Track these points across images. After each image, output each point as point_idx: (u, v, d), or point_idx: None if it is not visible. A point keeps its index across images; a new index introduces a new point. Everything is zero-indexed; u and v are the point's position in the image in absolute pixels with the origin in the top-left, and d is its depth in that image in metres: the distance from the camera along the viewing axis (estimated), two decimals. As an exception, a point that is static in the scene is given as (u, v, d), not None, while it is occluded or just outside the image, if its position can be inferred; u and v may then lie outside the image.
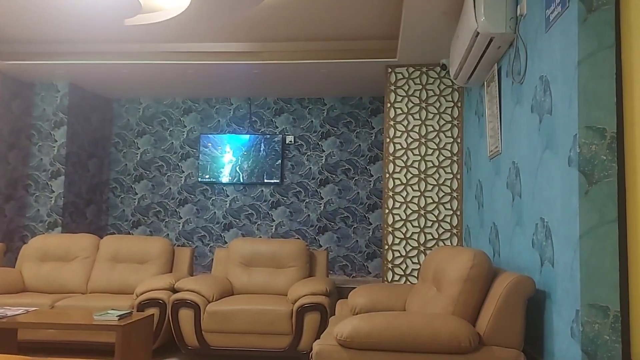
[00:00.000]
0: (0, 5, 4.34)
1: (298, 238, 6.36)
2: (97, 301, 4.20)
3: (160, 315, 4.08)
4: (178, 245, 6.44)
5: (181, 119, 6.71)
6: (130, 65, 5.31)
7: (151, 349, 3.73)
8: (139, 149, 6.75)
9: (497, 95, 3.37)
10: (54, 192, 5.90)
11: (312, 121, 6.53)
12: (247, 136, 6.47)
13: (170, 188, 6.66)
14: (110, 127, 6.80)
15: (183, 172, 6.66)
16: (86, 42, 5.16)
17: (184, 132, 6.69)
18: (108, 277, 4.67)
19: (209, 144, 6.51)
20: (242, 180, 6.45)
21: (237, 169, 6.46)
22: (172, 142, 6.70)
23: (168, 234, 6.60)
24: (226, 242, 6.50)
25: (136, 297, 4.14)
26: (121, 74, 5.65)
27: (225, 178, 6.48)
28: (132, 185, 6.72)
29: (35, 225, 5.89)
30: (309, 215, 6.44)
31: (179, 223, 6.61)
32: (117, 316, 3.36)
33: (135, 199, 6.70)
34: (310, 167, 6.48)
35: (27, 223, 5.91)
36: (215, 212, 6.56)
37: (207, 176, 6.51)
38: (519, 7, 2.88)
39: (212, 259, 5.03)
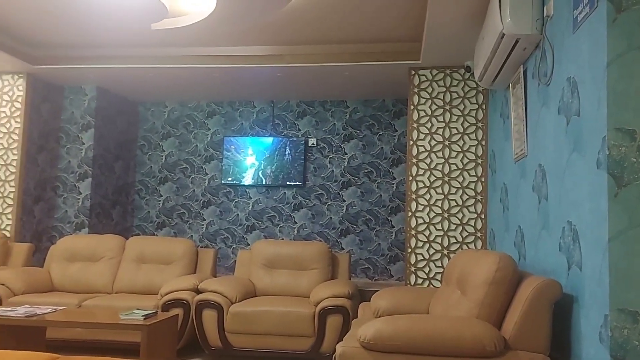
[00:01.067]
0: (31, 11, 4.45)
1: (320, 240, 6.37)
2: (122, 301, 4.27)
3: (184, 315, 4.12)
4: (201, 247, 6.49)
5: (205, 121, 6.78)
6: (156, 69, 5.40)
7: (175, 349, 3.77)
8: (164, 151, 6.84)
9: (523, 97, 3.33)
10: (81, 193, 6.01)
11: (334, 124, 6.54)
12: (270, 139, 6.50)
13: (194, 190, 6.73)
14: (136, 130, 6.90)
15: (207, 174, 6.73)
16: (113, 47, 5.25)
17: (208, 134, 6.76)
18: (133, 278, 4.74)
19: (232, 147, 6.57)
20: (264, 183, 6.49)
21: (260, 171, 6.50)
22: (197, 145, 6.78)
23: (192, 236, 6.67)
24: (249, 244, 6.53)
25: (161, 297, 4.20)
26: (147, 77, 5.74)
27: (248, 180, 6.52)
28: (157, 187, 6.81)
29: (63, 226, 6.01)
30: (331, 217, 6.44)
31: (203, 225, 6.67)
32: (142, 316, 3.40)
33: (160, 201, 6.79)
34: (333, 170, 6.48)
35: (55, 224, 6.03)
36: (238, 214, 6.61)
37: (230, 178, 6.56)
38: (545, 8, 2.85)
39: (235, 261, 5.06)
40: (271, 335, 3.99)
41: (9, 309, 3.62)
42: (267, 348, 4.01)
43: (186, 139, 6.81)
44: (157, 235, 6.71)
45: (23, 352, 2.47)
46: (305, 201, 6.50)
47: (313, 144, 6.52)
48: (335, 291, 4.07)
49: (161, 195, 6.79)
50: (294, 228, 6.49)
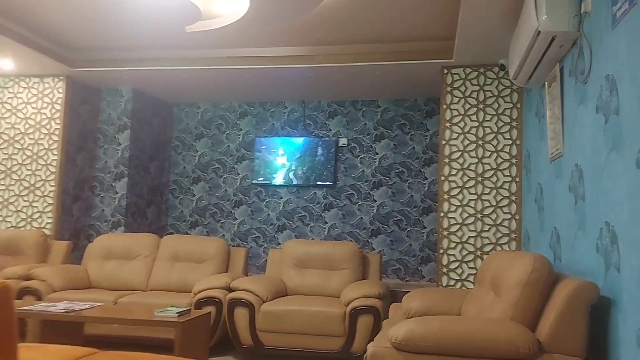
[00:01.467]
0: (71, 15, 4.58)
1: (351, 240, 6.36)
2: (157, 298, 4.35)
3: (216, 313, 4.18)
4: (233, 246, 6.57)
5: (237, 122, 6.86)
6: (190, 71, 5.48)
7: (208, 346, 3.82)
8: (197, 151, 6.94)
9: (560, 96, 3.26)
10: (117, 193, 6.16)
11: (365, 123, 6.52)
12: (301, 139, 6.53)
13: (226, 190, 6.82)
14: (171, 130, 7.03)
15: (238, 174, 6.80)
16: (149, 49, 5.36)
17: (239, 135, 6.83)
18: (167, 275, 4.83)
19: (264, 147, 6.62)
20: (295, 183, 6.52)
21: (291, 171, 6.54)
22: (229, 145, 6.86)
23: (224, 235, 6.75)
24: (279, 244, 6.58)
25: (194, 295, 4.26)
26: (181, 79, 5.84)
27: (279, 180, 6.56)
28: (190, 187, 6.92)
29: (100, 225, 6.17)
30: (361, 217, 6.43)
31: (234, 224, 6.74)
32: (176, 313, 3.46)
33: (193, 200, 6.89)
34: (364, 170, 6.47)
35: (93, 222, 6.19)
36: (269, 214, 6.66)
37: (261, 178, 6.62)
38: (583, 4, 2.78)
39: (266, 260, 5.11)
40: (302, 334, 4.01)
41: (50, 304, 3.74)
42: (297, 347, 4.03)
43: (219, 139, 6.89)
44: (190, 234, 6.82)
45: (66, 346, 2.55)
46: (335, 201, 6.50)
47: (344, 144, 6.52)
48: (366, 291, 4.07)
49: (194, 195, 6.90)
50: (325, 228, 6.51)
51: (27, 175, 5.81)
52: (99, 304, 3.91)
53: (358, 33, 4.79)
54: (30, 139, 5.84)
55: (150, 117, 6.62)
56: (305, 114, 6.68)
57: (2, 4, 4.41)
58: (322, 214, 6.53)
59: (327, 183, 6.46)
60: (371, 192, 6.43)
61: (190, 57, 5.35)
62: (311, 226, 6.54)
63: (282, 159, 6.56)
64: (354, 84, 5.83)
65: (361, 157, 6.49)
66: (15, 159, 5.85)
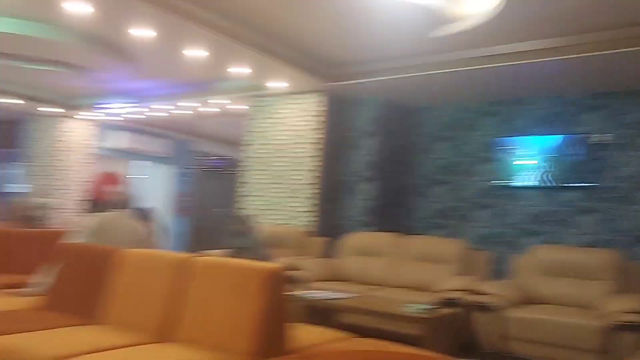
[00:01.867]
0: (327, 37, 5.13)
1: (612, 248, 5.68)
2: (399, 294, 4.60)
3: (459, 314, 4.19)
4: (474, 249, 6.45)
5: (479, 122, 6.71)
6: (433, 75, 5.59)
7: (453, 345, 3.87)
8: (439, 154, 7.00)
9: None
10: (365, 195, 6.62)
11: (633, 117, 5.73)
12: (552, 137, 6.08)
13: (467, 192, 6.73)
14: (413, 134, 7.24)
15: (481, 176, 6.64)
16: (393, 59, 5.64)
17: (482, 135, 6.67)
18: (409, 273, 5.08)
19: (509, 147, 6.35)
20: (546, 184, 6.10)
21: (541, 172, 6.13)
22: (471, 147, 6.75)
23: (465, 237, 6.66)
24: (525, 249, 6.21)
25: (437, 294, 4.35)
26: (424, 84, 5.99)
27: (527, 182, 6.22)
28: (432, 189, 7.01)
29: (350, 224, 6.69)
30: (626, 223, 5.67)
31: (476, 227, 6.61)
32: (425, 309, 3.58)
33: (434, 202, 6.97)
34: (630, 169, 5.70)
35: (344, 221, 6.76)
36: (514, 217, 6.35)
37: (506, 180, 6.36)
38: None
39: (510, 265, 4.91)
40: (551, 345, 3.79)
41: (313, 292, 4.22)
42: (545, 358, 3.81)
43: (460, 141, 6.84)
44: (431, 236, 6.92)
45: (328, 329, 2.89)
46: (593, 204, 5.87)
47: (605, 140, 5.82)
48: (631, 306, 3.65)
49: (436, 197, 6.97)
50: (579, 233, 5.93)
51: (289, 179, 6.66)
52: (352, 295, 4.26)
53: (624, 14, 4.22)
54: (294, 147, 6.67)
55: (394, 122, 6.94)
56: (557, 110, 6.20)
57: (280, 34, 5.15)
58: (576, 218, 5.96)
59: (584, 184, 5.87)
60: (639, 194, 5.63)
61: (433, 62, 5.45)
62: (562, 231, 6.04)
63: (530, 159, 6.20)
64: (618, 73, 5.17)
65: (628, 155, 5.72)
66: (281, 165, 6.75)
